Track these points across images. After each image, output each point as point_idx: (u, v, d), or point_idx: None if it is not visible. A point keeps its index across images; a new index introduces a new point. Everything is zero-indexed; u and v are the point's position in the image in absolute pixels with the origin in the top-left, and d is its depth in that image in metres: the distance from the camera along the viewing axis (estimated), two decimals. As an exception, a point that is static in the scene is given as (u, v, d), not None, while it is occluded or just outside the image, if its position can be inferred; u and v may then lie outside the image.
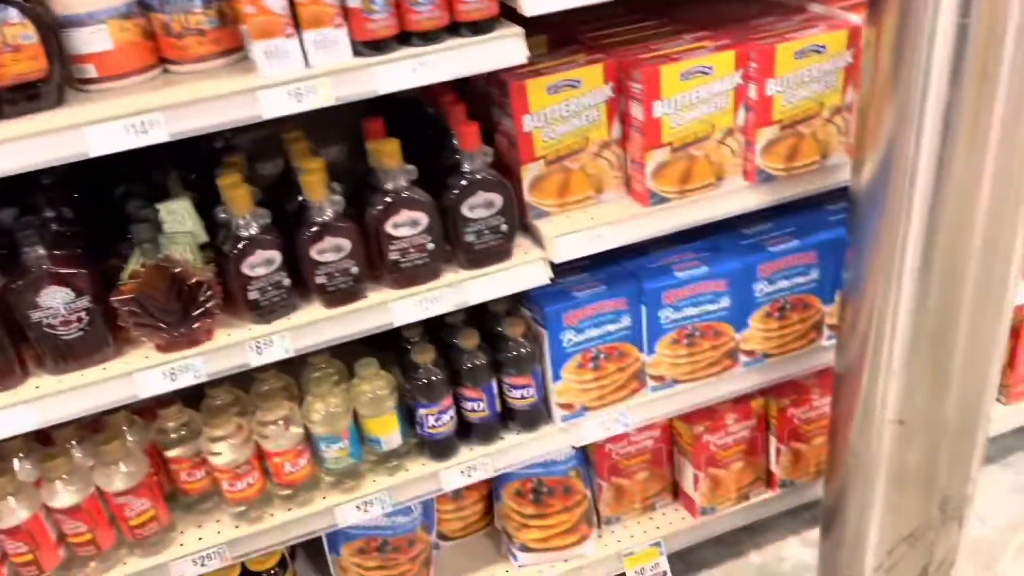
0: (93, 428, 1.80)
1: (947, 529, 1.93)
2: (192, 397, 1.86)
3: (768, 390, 2.20)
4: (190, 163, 1.90)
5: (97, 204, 1.81)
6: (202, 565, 1.79)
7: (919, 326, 1.70)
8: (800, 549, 2.43)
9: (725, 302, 1.97)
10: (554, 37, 2.02)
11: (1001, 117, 1.49)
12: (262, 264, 1.59)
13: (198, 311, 1.56)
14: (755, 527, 2.47)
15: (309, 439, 1.85)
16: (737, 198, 1.85)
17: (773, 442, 2.25)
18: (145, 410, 1.88)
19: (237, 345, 1.61)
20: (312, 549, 2.26)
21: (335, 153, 2.28)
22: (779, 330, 2.07)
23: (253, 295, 1.61)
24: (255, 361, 1.63)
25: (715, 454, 2.19)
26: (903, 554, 1.97)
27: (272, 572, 2.02)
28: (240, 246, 1.57)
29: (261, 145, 2.18)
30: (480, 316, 2.04)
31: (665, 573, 2.24)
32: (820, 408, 2.23)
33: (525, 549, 2.16)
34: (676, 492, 2.34)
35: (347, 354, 1.92)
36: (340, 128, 2.21)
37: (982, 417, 1.82)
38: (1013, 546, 2.35)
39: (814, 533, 2.27)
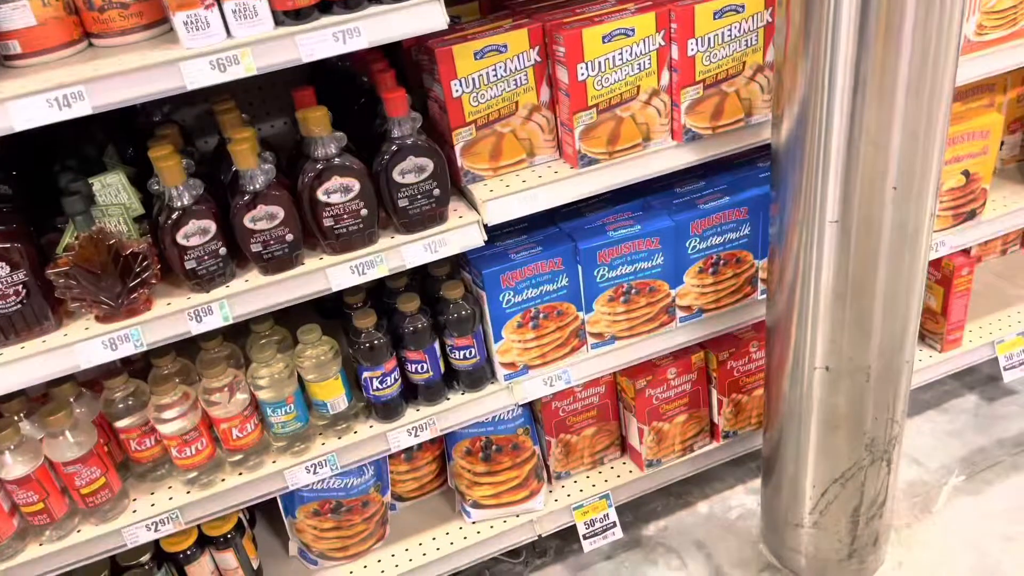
0: (42, 401, 1.84)
1: (876, 470, 2.02)
2: (145, 371, 1.91)
3: (707, 344, 2.27)
4: (129, 138, 1.93)
5: (35, 180, 1.83)
6: (156, 530, 1.84)
7: (840, 275, 1.77)
8: (746, 497, 2.52)
9: (659, 259, 2.03)
10: (487, 3, 2.06)
11: (907, 70, 1.55)
12: (197, 234, 1.62)
13: (135, 281, 1.59)
14: (702, 478, 2.56)
15: (256, 405, 1.89)
16: (665, 157, 1.90)
17: (715, 394, 2.32)
18: (94, 382, 1.92)
19: (176, 314, 1.65)
20: (271, 514, 2.32)
21: (279, 127, 2.32)
22: (714, 285, 2.13)
23: (190, 264, 1.64)
24: (195, 329, 1.66)
25: (658, 408, 2.26)
26: (836, 495, 2.06)
27: (228, 536, 2.07)
28: (174, 217, 1.60)
29: (204, 120, 2.21)
30: (423, 282, 2.10)
31: (614, 524, 2.32)
32: (758, 360, 2.30)
33: (477, 506, 2.23)
34: (624, 447, 2.42)
35: (295, 322, 1.97)
36: (285, 101, 2.24)
37: (904, 361, 1.90)
38: (948, 488, 2.45)
39: (759, 482, 2.35)
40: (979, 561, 2.21)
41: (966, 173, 2.23)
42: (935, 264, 2.47)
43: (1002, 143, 2.55)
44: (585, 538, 2.29)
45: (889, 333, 1.84)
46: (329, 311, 2.31)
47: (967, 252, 2.47)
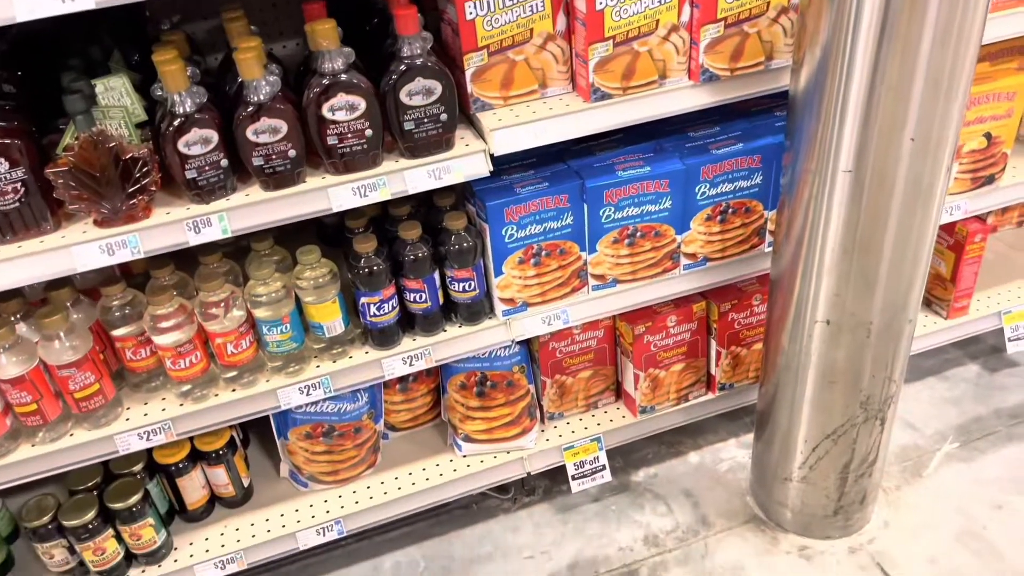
0: (40, 305, 1.84)
1: (869, 428, 2.02)
2: (145, 284, 1.90)
3: (710, 294, 2.25)
4: (136, 46, 1.90)
5: (40, 82, 1.81)
6: (147, 439, 1.86)
7: (850, 228, 1.74)
8: (737, 451, 2.52)
9: (667, 203, 2.00)
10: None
11: (935, 16, 1.50)
12: (199, 143, 1.60)
13: (134, 187, 1.58)
14: (695, 429, 2.57)
15: (252, 323, 1.89)
16: (680, 97, 1.85)
17: (714, 345, 2.31)
18: (92, 290, 1.92)
19: (175, 223, 1.63)
20: (264, 436, 2.34)
21: (291, 48, 2.28)
22: (721, 234, 2.10)
23: (190, 174, 1.62)
24: (193, 240, 1.65)
25: (656, 355, 2.25)
26: (827, 450, 2.06)
27: (220, 452, 2.09)
28: (176, 123, 1.58)
29: (214, 35, 2.17)
30: (427, 212, 2.08)
31: (604, 467, 2.33)
32: (760, 314, 2.28)
33: (468, 439, 2.24)
34: (619, 392, 2.42)
35: (297, 246, 1.95)
36: (299, 21, 2.20)
37: (907, 320, 1.88)
38: (941, 454, 2.44)
39: (751, 437, 2.35)
40: (965, 526, 2.22)
41: (988, 136, 2.18)
42: (948, 229, 2.43)
43: (1028, 109, 2.48)
44: (574, 479, 2.30)
45: (894, 290, 1.81)
46: (332, 239, 2.30)
47: (981, 219, 2.42)
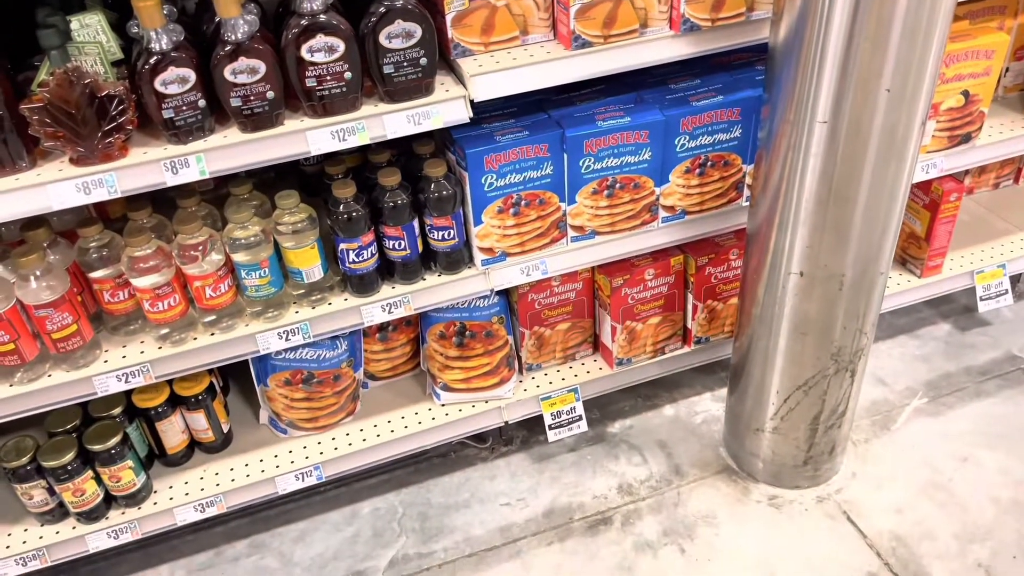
0: (16, 246, 1.83)
1: (839, 379, 2.06)
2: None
3: (687, 248, 2.28)
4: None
5: (15, 19, 1.78)
6: (126, 382, 1.87)
7: (825, 178, 1.76)
8: (712, 404, 2.57)
9: (647, 154, 2.01)
10: None
11: (913, -32, 1.50)
12: (176, 82, 1.59)
13: (110, 125, 1.57)
14: (671, 382, 2.61)
15: (231, 267, 1.90)
16: (661, 47, 1.85)
17: (690, 299, 2.34)
18: (70, 232, 1.91)
19: (152, 163, 1.63)
20: (244, 383, 2.36)
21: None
22: (699, 187, 2.12)
23: (167, 114, 1.61)
24: (171, 181, 1.65)
25: (633, 307, 2.28)
26: (798, 401, 2.10)
27: (200, 397, 2.10)
28: (152, 61, 1.56)
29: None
30: (407, 160, 2.08)
31: (580, 418, 2.36)
32: (737, 268, 2.31)
33: (447, 388, 2.27)
34: (596, 345, 2.44)
35: (276, 193, 1.94)
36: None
37: (879, 272, 1.91)
38: (909, 409, 2.50)
39: (726, 391, 2.39)
40: (931, 478, 2.28)
41: (966, 93, 2.20)
42: (924, 188, 2.46)
43: (1007, 69, 2.50)
44: (551, 428, 2.34)
45: (867, 242, 1.84)
46: (312, 189, 2.30)
47: (957, 178, 2.45)
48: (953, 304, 2.84)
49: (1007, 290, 2.63)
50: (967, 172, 2.85)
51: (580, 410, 2.36)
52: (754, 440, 2.25)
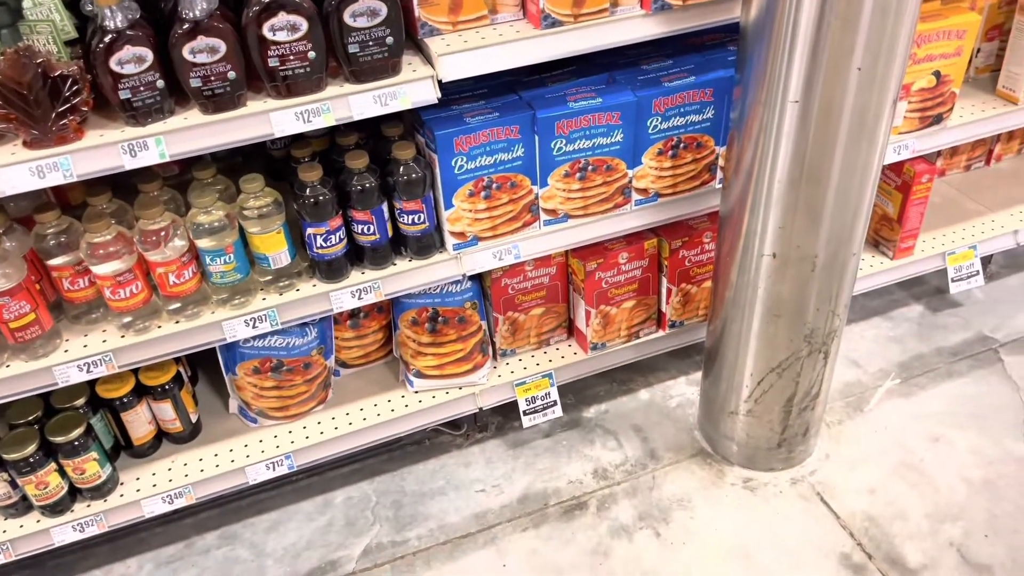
0: (-29, 234, 1.78)
1: (812, 361, 2.06)
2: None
3: (661, 231, 2.26)
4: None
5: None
6: (87, 371, 1.82)
7: (797, 159, 1.75)
8: (686, 388, 2.56)
9: (619, 136, 1.99)
10: None
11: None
12: (132, 61, 1.54)
13: (64, 106, 1.52)
14: (646, 367, 2.60)
15: (196, 254, 1.85)
16: (632, 26, 1.82)
17: (664, 283, 2.32)
18: (27, 218, 1.86)
19: (109, 146, 1.58)
20: (213, 373, 2.31)
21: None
22: (672, 169, 2.10)
23: (124, 94, 1.56)
24: (129, 164, 1.60)
25: (607, 292, 2.26)
26: (772, 384, 2.10)
27: (167, 387, 2.06)
28: (107, 40, 1.51)
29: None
30: (376, 143, 2.04)
31: (555, 403, 2.35)
32: (710, 251, 2.30)
33: (420, 375, 2.24)
34: (571, 330, 2.43)
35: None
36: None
37: (851, 253, 1.90)
38: (882, 390, 2.51)
39: (700, 375, 2.38)
40: (903, 458, 2.29)
41: (937, 74, 2.19)
42: (896, 169, 2.46)
43: (978, 50, 2.50)
44: (525, 414, 2.32)
45: (839, 223, 1.83)
46: (279, 173, 2.26)
47: (929, 160, 2.45)
48: (925, 285, 2.85)
49: (978, 271, 2.64)
50: (939, 154, 2.86)
51: (555, 395, 2.34)
52: (728, 423, 2.25)
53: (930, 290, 2.84)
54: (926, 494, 2.19)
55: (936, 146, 2.34)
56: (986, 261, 2.80)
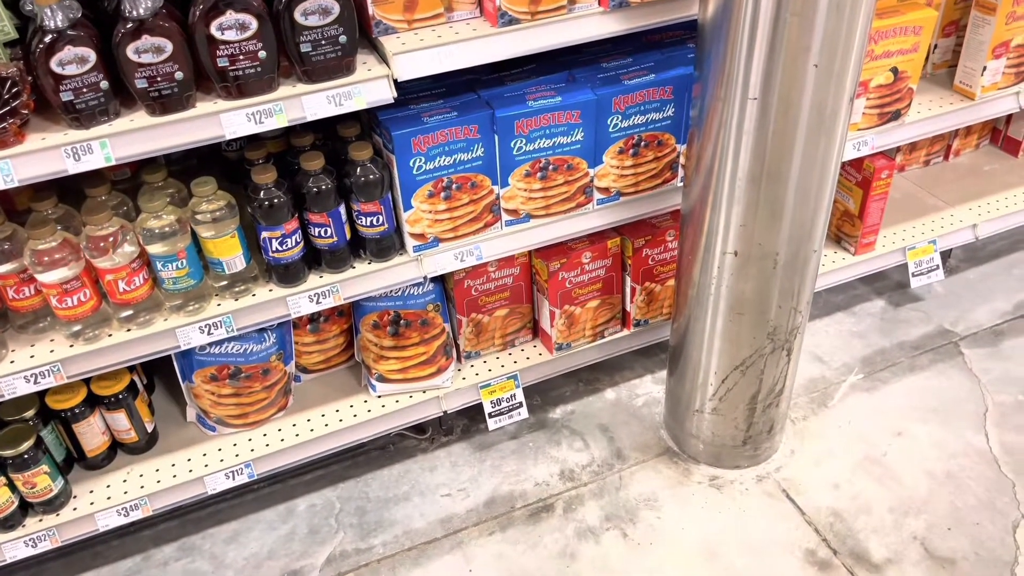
0: (-91, 242, 1.71)
1: (776, 358, 2.06)
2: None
3: (624, 230, 2.25)
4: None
5: None
6: (35, 382, 1.76)
7: (757, 156, 1.75)
8: (652, 386, 2.55)
9: (579, 135, 1.97)
10: None
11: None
12: (74, 62, 1.49)
13: (4, 109, 1.46)
14: (612, 366, 2.59)
15: (147, 260, 1.80)
16: (590, 24, 1.81)
17: (628, 282, 2.31)
18: (-32, 226, 1.79)
19: (52, 150, 1.52)
20: (169, 381, 2.26)
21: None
22: (633, 167, 2.08)
23: (66, 96, 1.51)
24: (72, 168, 1.55)
25: (571, 291, 2.24)
26: (736, 382, 2.09)
27: (120, 397, 2.00)
28: (47, 40, 1.46)
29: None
30: (333, 145, 2.00)
31: (520, 404, 2.33)
32: (674, 250, 2.29)
33: (383, 380, 2.21)
34: (536, 330, 2.41)
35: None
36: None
37: (812, 250, 1.90)
38: (846, 385, 2.52)
39: (666, 373, 2.37)
40: (867, 453, 2.30)
41: (894, 70, 2.20)
42: (856, 166, 2.47)
43: (935, 45, 2.53)
44: (491, 416, 2.30)
45: (799, 220, 1.83)
46: (234, 176, 2.20)
47: (888, 155, 2.47)
48: (887, 280, 2.88)
49: (938, 265, 2.67)
50: (898, 150, 2.88)
51: (520, 397, 2.32)
52: (694, 421, 2.24)
53: (891, 285, 2.87)
54: (890, 488, 2.21)
55: (895, 142, 2.36)
56: (946, 255, 2.83)
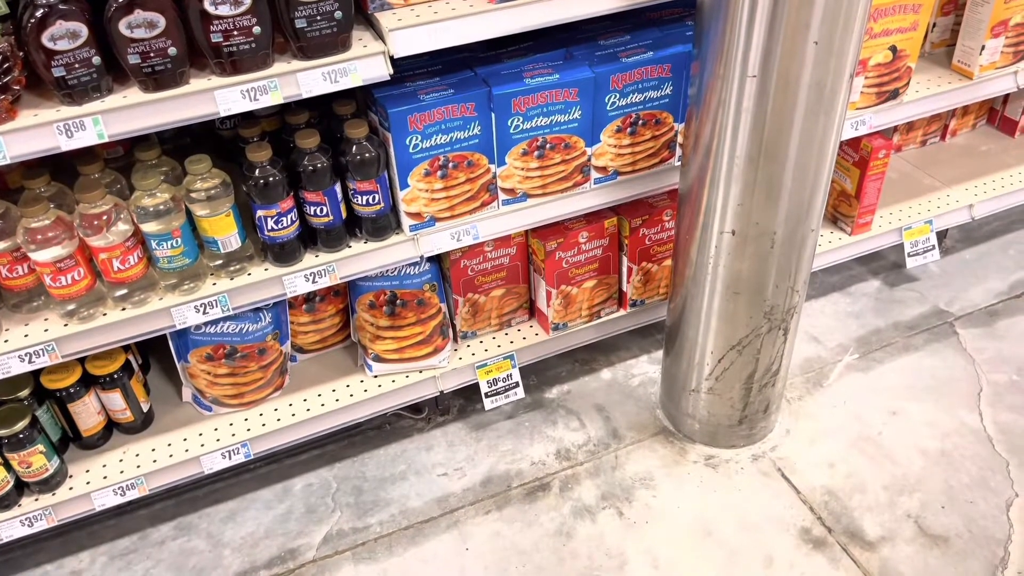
0: (-100, 220, 1.70)
1: (772, 338, 2.06)
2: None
3: (621, 209, 2.24)
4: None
5: None
6: (29, 362, 1.75)
7: (756, 135, 1.73)
8: (648, 366, 2.56)
9: (577, 113, 1.96)
10: None
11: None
12: (65, 37, 1.47)
13: (-6, 85, 1.44)
14: (608, 346, 2.59)
15: (141, 238, 1.79)
16: None
17: (625, 262, 2.31)
18: (-40, 204, 1.78)
19: (44, 126, 1.50)
20: (165, 361, 2.25)
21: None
22: (631, 147, 2.07)
23: (58, 72, 1.49)
24: (65, 145, 1.53)
25: (568, 271, 2.24)
26: (732, 361, 2.10)
27: (115, 376, 1.99)
28: (38, 15, 1.44)
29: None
30: (329, 123, 1.98)
31: (517, 384, 2.33)
32: (670, 230, 2.29)
33: (379, 359, 2.20)
34: (532, 310, 2.40)
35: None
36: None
37: (809, 230, 1.90)
38: (841, 365, 2.53)
39: (662, 353, 2.37)
40: (861, 432, 2.31)
41: (893, 49, 2.19)
42: (853, 145, 2.46)
43: (934, 24, 2.51)
44: (487, 396, 2.30)
45: (797, 199, 1.82)
46: (230, 155, 2.18)
47: (886, 135, 2.46)
48: (883, 261, 2.88)
49: (934, 246, 2.67)
50: (895, 129, 2.88)
51: (517, 377, 2.32)
52: (689, 401, 2.25)
53: (887, 265, 2.87)
54: (884, 467, 2.22)
55: (893, 121, 2.35)
56: (941, 236, 2.83)
